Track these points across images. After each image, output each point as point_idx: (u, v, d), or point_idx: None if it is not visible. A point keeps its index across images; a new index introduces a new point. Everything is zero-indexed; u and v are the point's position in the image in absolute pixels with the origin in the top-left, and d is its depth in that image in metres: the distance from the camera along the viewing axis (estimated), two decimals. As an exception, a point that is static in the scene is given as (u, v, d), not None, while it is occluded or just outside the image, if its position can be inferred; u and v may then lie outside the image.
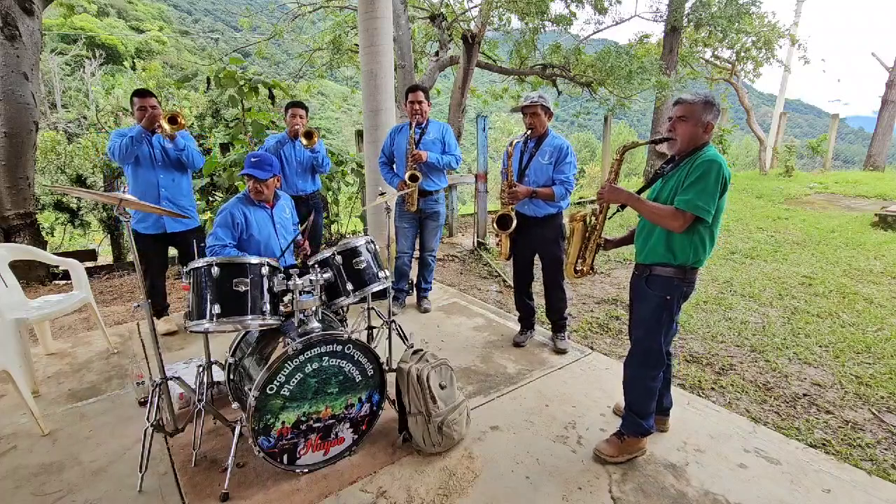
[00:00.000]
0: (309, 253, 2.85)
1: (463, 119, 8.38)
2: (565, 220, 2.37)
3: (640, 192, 2.04)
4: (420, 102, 3.55)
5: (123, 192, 1.96)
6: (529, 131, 2.96)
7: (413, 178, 3.47)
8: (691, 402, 2.66)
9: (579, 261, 2.25)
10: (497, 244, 3.28)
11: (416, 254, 4.00)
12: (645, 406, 2.12)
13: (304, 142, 3.53)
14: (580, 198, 9.59)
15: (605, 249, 2.29)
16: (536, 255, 3.22)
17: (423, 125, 3.60)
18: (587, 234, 2.22)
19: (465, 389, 2.75)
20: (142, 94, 3.22)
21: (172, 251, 3.64)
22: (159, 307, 3.57)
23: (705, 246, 1.94)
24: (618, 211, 2.18)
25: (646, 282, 2.05)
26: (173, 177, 3.34)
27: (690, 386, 2.85)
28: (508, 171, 2.98)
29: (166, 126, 3.08)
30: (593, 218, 2.19)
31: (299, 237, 2.80)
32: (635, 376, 2.13)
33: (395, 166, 3.79)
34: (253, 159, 2.61)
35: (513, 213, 2.99)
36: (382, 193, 2.87)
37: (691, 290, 2.03)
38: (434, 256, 3.97)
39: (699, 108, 1.87)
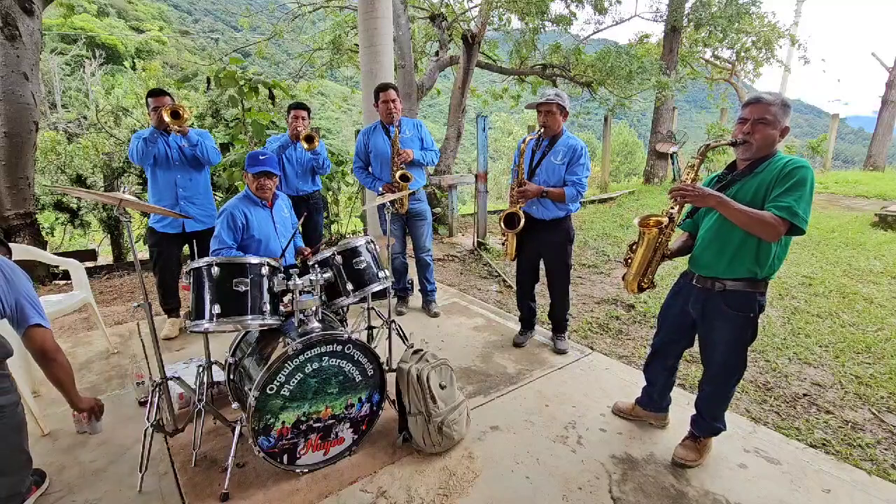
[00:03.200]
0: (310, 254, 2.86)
1: (463, 119, 8.37)
2: (635, 223, 2.06)
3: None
4: (394, 101, 3.47)
5: (123, 192, 1.96)
6: (542, 130, 2.87)
7: (404, 178, 3.40)
8: (691, 402, 2.64)
9: (645, 272, 2.01)
10: (503, 244, 3.25)
11: (410, 253, 3.96)
12: (722, 412, 2.13)
13: (306, 146, 3.53)
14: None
15: (666, 259, 2.05)
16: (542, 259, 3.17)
17: (397, 124, 3.49)
18: (658, 243, 1.97)
19: (465, 389, 2.75)
20: (156, 93, 3.22)
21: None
22: (169, 307, 3.56)
23: (784, 256, 1.84)
24: (686, 217, 2.04)
25: (723, 299, 1.90)
26: (191, 176, 3.34)
27: (690, 386, 2.85)
28: (519, 169, 2.93)
29: (167, 118, 3.06)
30: (668, 222, 1.93)
31: (304, 247, 2.87)
32: (719, 390, 2.08)
33: (370, 169, 3.71)
34: (261, 157, 2.62)
35: (520, 213, 2.93)
36: (382, 193, 2.87)
37: (766, 301, 1.92)
38: (430, 255, 3.88)
39: (779, 110, 1.73)
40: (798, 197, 1.66)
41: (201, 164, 3.38)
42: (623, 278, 2.13)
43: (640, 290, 2.06)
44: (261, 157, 2.62)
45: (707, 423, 2.15)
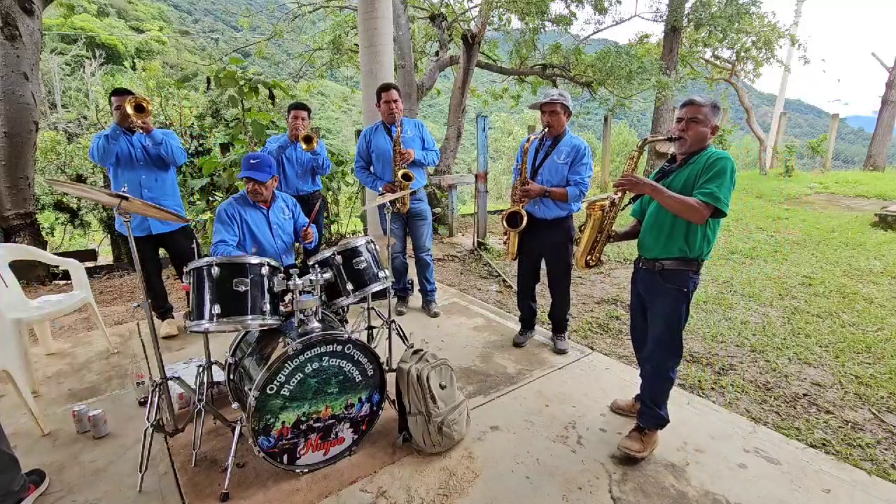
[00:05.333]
0: (309, 241, 2.86)
1: (463, 119, 8.37)
2: (582, 206, 2.37)
3: None
4: (395, 101, 3.48)
5: (124, 191, 1.96)
6: (546, 129, 2.89)
7: (406, 178, 3.40)
8: (691, 401, 2.66)
9: (591, 251, 2.27)
10: (504, 243, 3.25)
11: (410, 253, 3.96)
12: (664, 396, 2.19)
13: (304, 146, 3.52)
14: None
15: (611, 241, 2.31)
16: (542, 258, 3.17)
17: (398, 123, 3.48)
18: (602, 225, 2.24)
19: (465, 389, 2.75)
20: (120, 92, 3.15)
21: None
22: (161, 309, 3.55)
23: (714, 238, 2.04)
24: (629, 202, 2.23)
25: (661, 276, 2.10)
26: (156, 176, 3.28)
27: (690, 386, 2.85)
28: (522, 169, 2.93)
29: (130, 110, 2.95)
30: (609, 206, 2.20)
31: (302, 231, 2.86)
32: (657, 369, 2.16)
33: (372, 169, 3.71)
34: (252, 161, 2.59)
35: (523, 212, 2.92)
36: (383, 193, 2.87)
37: (699, 280, 2.12)
38: (430, 255, 3.87)
39: (709, 111, 1.96)
40: (719, 184, 1.89)
41: (167, 163, 3.30)
42: (573, 255, 2.32)
43: (588, 266, 2.29)
44: (252, 161, 2.58)
45: (650, 412, 2.18)
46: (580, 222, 2.42)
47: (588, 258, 2.29)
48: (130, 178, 3.19)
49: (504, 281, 4.82)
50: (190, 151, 5.45)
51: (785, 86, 15.54)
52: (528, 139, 2.95)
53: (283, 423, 1.97)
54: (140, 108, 3.00)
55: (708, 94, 12.92)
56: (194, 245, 2.67)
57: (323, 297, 2.28)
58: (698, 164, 1.96)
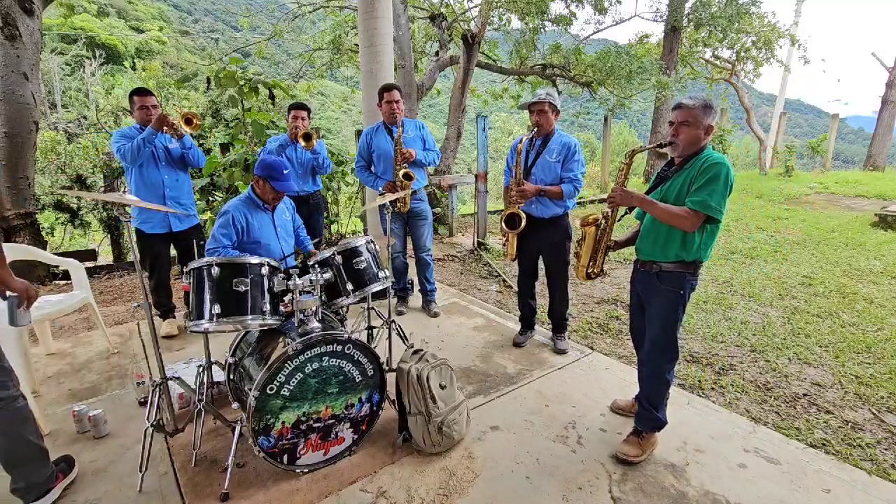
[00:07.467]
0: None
1: (463, 119, 8.37)
2: (576, 223, 2.39)
3: (646, 194, 2.08)
4: (397, 102, 3.49)
5: (123, 192, 1.96)
6: (535, 129, 2.92)
7: (407, 177, 3.41)
8: (691, 401, 2.66)
9: (590, 263, 2.28)
10: (503, 244, 3.26)
11: (410, 253, 3.96)
12: (661, 398, 2.18)
13: (303, 143, 3.53)
14: (580, 197, 9.55)
15: (612, 251, 2.32)
16: (541, 257, 3.18)
17: (400, 124, 3.49)
18: (598, 238, 2.26)
19: (465, 389, 2.75)
20: (142, 93, 3.23)
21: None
22: (165, 308, 3.58)
23: (712, 241, 2.02)
24: (625, 213, 2.24)
25: (658, 278, 2.09)
26: (177, 176, 3.38)
27: (690, 386, 2.85)
28: (516, 170, 2.94)
29: (186, 129, 3.21)
30: (604, 221, 2.23)
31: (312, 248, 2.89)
32: (654, 371, 2.16)
33: (373, 168, 3.73)
34: (286, 171, 2.54)
35: (521, 213, 2.94)
36: (383, 193, 2.87)
37: (697, 282, 2.11)
38: (431, 255, 3.87)
39: (700, 112, 1.92)
40: (712, 191, 1.87)
41: (185, 164, 3.42)
42: (573, 269, 2.43)
43: (589, 277, 2.32)
44: (284, 171, 2.54)
45: (647, 414, 2.18)
46: (579, 221, 2.43)
47: (589, 270, 2.29)
48: (154, 178, 3.27)
49: (504, 281, 4.82)
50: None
51: (785, 86, 15.54)
52: (521, 140, 2.97)
53: (283, 423, 1.97)
54: (189, 122, 3.25)
55: (708, 94, 12.94)
56: (202, 243, 2.69)
57: (323, 297, 2.28)
58: (693, 168, 1.95)
